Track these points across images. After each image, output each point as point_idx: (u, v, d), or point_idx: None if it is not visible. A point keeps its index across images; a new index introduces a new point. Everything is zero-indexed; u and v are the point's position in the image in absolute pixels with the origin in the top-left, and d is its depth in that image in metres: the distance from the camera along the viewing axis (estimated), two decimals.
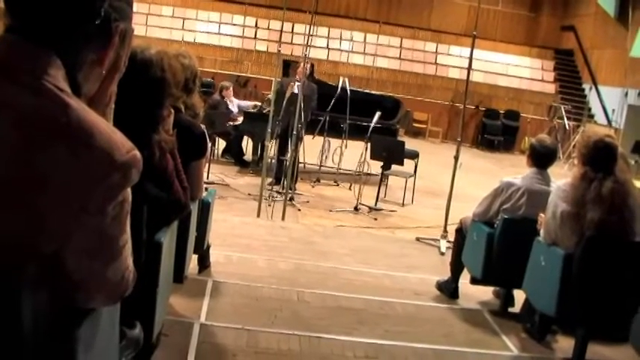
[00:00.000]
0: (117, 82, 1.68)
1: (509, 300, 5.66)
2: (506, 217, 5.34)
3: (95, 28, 1.53)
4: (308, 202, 10.05)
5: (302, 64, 10.14)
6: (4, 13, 1.53)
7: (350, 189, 11.21)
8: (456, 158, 8.27)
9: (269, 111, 9.48)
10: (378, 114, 10.70)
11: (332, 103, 11.09)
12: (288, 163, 9.54)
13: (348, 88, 11.39)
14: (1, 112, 1.44)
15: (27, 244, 1.46)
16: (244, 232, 7.54)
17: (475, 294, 5.97)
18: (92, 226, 1.49)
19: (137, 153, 1.54)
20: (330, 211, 9.73)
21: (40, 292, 1.50)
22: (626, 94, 19.07)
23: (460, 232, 6.00)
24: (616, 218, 4.43)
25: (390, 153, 10.24)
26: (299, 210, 9.44)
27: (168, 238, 3.23)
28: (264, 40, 23.10)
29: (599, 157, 4.51)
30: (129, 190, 1.55)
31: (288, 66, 11.89)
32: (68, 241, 1.48)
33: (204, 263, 5.67)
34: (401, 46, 24.10)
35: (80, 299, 1.60)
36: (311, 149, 11.71)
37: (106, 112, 1.65)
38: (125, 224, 1.59)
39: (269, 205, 8.98)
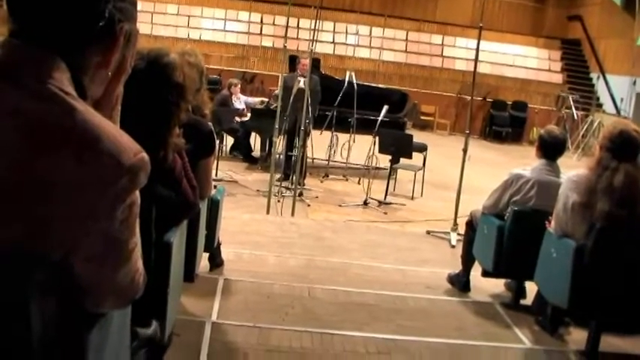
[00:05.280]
0: (123, 83, 1.66)
1: (520, 292, 5.64)
2: (516, 209, 5.32)
3: (99, 29, 1.51)
4: (317, 197, 10.04)
5: (305, 59, 10.10)
6: (8, 17, 1.51)
7: (359, 183, 11.19)
8: (465, 151, 8.24)
9: (276, 107, 9.46)
10: (385, 108, 10.66)
11: (339, 98, 11.06)
12: (296, 159, 9.53)
13: (354, 82, 11.38)
14: (6, 117, 1.43)
15: (34, 249, 1.44)
16: (254, 229, 7.53)
17: (487, 287, 5.95)
18: (100, 230, 1.48)
19: (145, 155, 1.53)
20: (340, 205, 9.71)
21: (49, 297, 1.49)
22: (634, 83, 18.99)
23: (470, 225, 5.98)
24: (626, 212, 4.40)
25: (399, 146, 10.21)
26: (308, 205, 9.43)
27: (177, 238, 3.22)
28: (269, 35, 23.07)
29: (619, 144, 4.48)
30: (137, 192, 1.54)
31: (295, 61, 11.87)
32: (76, 247, 1.47)
33: (215, 261, 5.66)
34: (407, 39, 24.05)
35: (90, 304, 1.59)
36: (319, 144, 11.71)
37: (113, 114, 1.63)
38: (134, 227, 1.57)
39: (278, 201, 8.98)
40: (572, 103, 20.08)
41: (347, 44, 23.29)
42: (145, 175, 1.53)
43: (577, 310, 4.67)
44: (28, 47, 1.48)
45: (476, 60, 8.66)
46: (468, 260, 5.93)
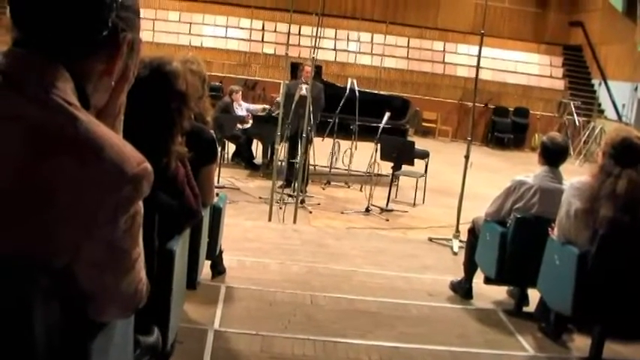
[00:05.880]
0: (126, 92, 1.66)
1: (523, 299, 5.63)
2: (518, 216, 5.31)
3: (103, 39, 1.52)
4: (319, 204, 10.03)
5: (308, 66, 10.12)
6: (11, 26, 1.51)
7: (361, 190, 11.18)
8: (467, 158, 8.23)
9: (278, 114, 9.47)
10: (387, 114, 10.65)
11: (341, 105, 11.07)
12: (298, 166, 9.53)
13: (356, 89, 11.37)
14: (9, 126, 1.43)
15: (37, 257, 1.44)
16: (256, 236, 7.52)
17: (489, 294, 5.94)
18: (103, 239, 1.48)
19: (148, 166, 1.53)
20: (342, 212, 9.71)
21: (52, 304, 1.48)
22: (636, 89, 18.97)
23: (473, 232, 5.97)
24: (629, 218, 4.39)
25: (400, 153, 10.20)
26: (310, 212, 9.42)
27: (180, 246, 3.22)
28: (271, 42, 23.09)
29: (621, 151, 4.48)
30: (141, 203, 1.53)
31: (297, 68, 11.91)
32: (79, 255, 1.47)
33: (217, 269, 5.65)
34: (408, 46, 24.03)
35: (93, 312, 1.59)
36: (321, 151, 11.70)
37: (116, 124, 1.63)
38: (137, 237, 1.57)
39: (280, 208, 8.97)
40: (573, 109, 20.08)
41: (349, 51, 23.29)
42: (148, 185, 1.53)
43: (580, 316, 4.67)
44: (31, 56, 1.49)
45: (477, 66, 8.66)
46: (470, 267, 5.92)
